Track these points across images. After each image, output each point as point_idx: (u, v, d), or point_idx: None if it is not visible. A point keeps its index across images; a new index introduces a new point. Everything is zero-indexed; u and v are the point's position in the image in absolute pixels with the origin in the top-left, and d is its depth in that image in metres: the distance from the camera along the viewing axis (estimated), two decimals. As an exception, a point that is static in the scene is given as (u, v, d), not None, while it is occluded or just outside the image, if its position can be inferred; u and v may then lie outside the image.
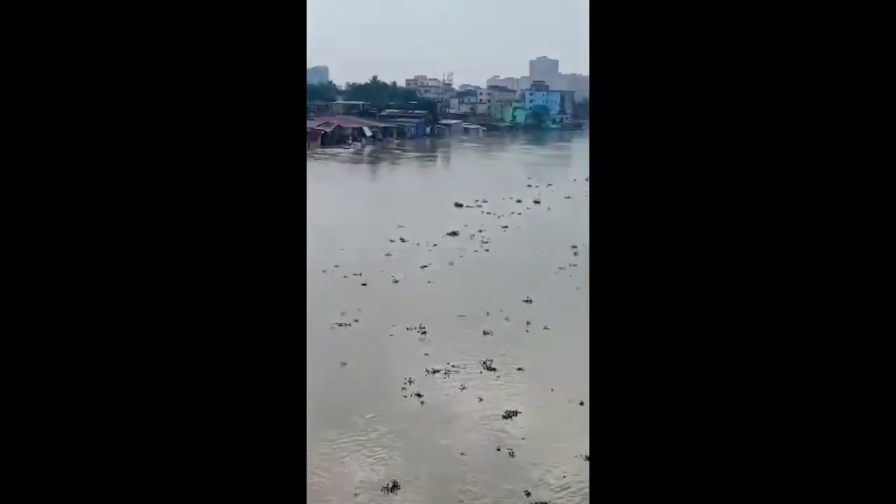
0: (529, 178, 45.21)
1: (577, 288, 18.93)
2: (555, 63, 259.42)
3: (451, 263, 21.56)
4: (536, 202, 34.88)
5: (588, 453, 9.60)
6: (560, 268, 21.11)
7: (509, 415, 11.04)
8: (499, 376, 12.69)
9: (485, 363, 13.17)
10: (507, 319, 15.90)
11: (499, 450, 9.96)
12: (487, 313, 16.17)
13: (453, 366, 13.00)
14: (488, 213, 31.01)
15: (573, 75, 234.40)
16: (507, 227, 28.12)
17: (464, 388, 12.13)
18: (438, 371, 12.78)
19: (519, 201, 34.61)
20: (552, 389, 11.97)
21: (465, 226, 27.37)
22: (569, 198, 36.56)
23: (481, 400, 11.68)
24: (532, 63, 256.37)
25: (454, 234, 25.94)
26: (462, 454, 9.82)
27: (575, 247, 23.82)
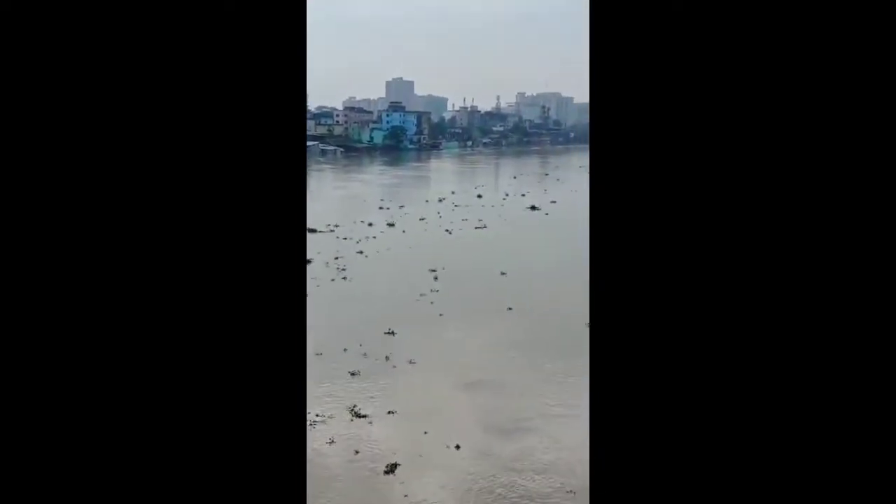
0: (382, 200, 44.68)
1: (440, 315, 18.56)
2: (410, 83, 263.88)
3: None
4: (390, 225, 34.32)
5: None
6: (421, 294, 20.54)
7: (391, 469, 10.08)
8: (371, 422, 11.70)
9: (353, 409, 12.13)
10: (364, 356, 14.93)
11: (377, 513, 9.05)
12: (345, 350, 15.15)
13: (318, 415, 11.84)
14: (345, 239, 29.94)
15: (429, 96, 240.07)
16: (362, 252, 27.24)
17: (333, 441, 11.02)
18: (302, 422, 11.61)
19: (371, 224, 33.88)
20: (426, 433, 11.27)
21: (319, 253, 26.10)
22: (423, 219, 36.45)
23: (357, 453, 10.64)
24: (388, 84, 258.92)
25: (308, 261, 24.65)
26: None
27: (434, 270, 23.47)
